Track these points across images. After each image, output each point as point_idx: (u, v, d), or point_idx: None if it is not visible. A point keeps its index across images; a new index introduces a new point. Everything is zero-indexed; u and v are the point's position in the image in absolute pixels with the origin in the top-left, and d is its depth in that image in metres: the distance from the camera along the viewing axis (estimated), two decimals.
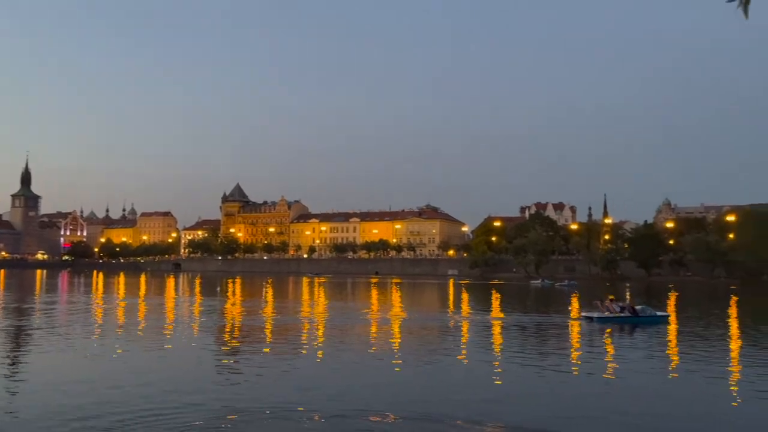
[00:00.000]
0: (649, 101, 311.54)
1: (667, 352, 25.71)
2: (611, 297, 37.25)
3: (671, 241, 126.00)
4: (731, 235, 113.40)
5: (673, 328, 32.61)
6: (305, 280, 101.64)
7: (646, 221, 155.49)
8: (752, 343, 28.27)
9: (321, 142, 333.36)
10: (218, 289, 74.71)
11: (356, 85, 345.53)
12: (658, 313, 35.67)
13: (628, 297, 57.31)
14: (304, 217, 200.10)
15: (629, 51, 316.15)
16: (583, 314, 36.74)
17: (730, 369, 21.40)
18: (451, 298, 62.64)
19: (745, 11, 3.88)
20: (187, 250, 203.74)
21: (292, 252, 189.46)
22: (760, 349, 25.89)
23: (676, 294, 67.93)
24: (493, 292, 70.17)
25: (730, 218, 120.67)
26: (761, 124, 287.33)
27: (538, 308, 49.05)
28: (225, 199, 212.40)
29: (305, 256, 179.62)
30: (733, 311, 48.16)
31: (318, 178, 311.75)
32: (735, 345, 27.60)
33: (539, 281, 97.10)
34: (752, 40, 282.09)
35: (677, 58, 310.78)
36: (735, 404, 15.74)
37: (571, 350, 26.05)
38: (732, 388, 17.98)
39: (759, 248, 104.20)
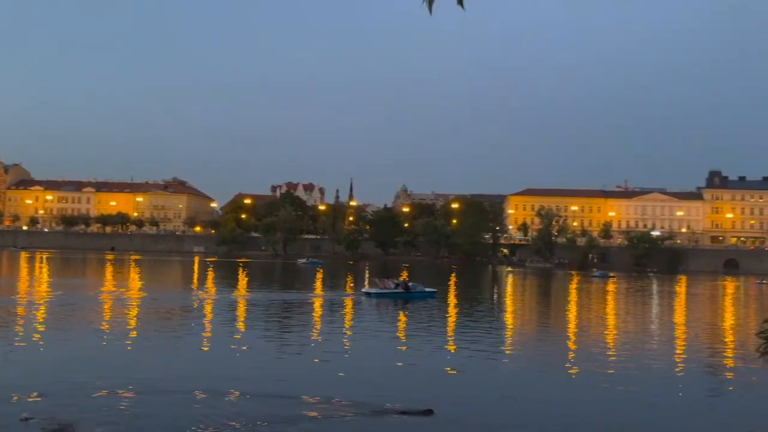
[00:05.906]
0: (391, 94, 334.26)
1: (399, 323, 28.36)
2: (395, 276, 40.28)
3: (406, 224, 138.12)
4: (455, 221, 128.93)
5: (402, 301, 35.86)
6: (24, 255, 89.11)
7: (386, 205, 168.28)
8: (467, 314, 32.58)
9: (51, 102, 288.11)
10: None
11: (115, 51, 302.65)
12: (427, 289, 39.36)
13: (366, 274, 61.50)
14: (26, 183, 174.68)
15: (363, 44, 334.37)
16: (363, 290, 39.50)
17: (448, 337, 24.36)
18: (195, 276, 60.55)
19: (429, 7, 4.05)
20: None
21: (8, 222, 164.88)
22: (472, 319, 29.99)
23: (407, 272, 74.77)
24: (240, 270, 69.50)
25: (455, 205, 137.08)
26: (476, 121, 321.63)
27: (285, 286, 50.01)
28: None
29: (25, 228, 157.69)
30: (453, 286, 54.98)
31: (46, 142, 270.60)
32: (453, 317, 31.49)
33: (305, 260, 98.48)
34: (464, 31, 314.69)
35: (416, 51, 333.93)
36: (449, 369, 17.92)
37: (313, 325, 27.20)
38: (450, 349, 20.51)
39: (475, 233, 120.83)
